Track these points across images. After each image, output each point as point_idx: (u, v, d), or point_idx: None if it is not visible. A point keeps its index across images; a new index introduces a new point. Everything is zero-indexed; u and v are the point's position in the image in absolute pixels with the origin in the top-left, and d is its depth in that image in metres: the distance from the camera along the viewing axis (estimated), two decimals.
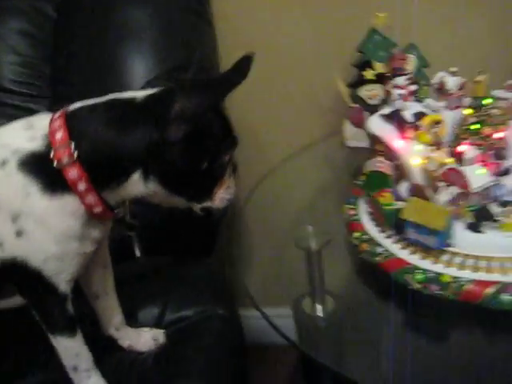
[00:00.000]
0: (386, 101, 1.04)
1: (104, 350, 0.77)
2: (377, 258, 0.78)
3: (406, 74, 1.03)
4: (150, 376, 0.78)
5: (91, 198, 0.64)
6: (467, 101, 0.84)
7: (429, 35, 1.12)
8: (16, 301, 0.71)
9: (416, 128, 0.81)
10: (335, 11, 1.19)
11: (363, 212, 0.87)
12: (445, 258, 0.74)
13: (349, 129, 1.11)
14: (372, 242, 0.80)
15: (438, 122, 0.81)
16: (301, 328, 0.81)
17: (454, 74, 0.84)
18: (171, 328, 0.85)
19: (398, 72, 1.05)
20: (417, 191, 0.79)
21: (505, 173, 0.75)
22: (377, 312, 0.80)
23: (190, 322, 0.86)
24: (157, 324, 0.86)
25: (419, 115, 0.83)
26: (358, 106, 1.08)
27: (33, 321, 0.70)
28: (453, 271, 0.72)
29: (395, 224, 0.80)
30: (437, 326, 0.75)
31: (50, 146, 0.63)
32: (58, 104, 0.91)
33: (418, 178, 0.79)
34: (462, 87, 0.83)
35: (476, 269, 0.72)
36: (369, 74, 1.05)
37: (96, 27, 1.03)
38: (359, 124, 1.07)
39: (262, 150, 1.28)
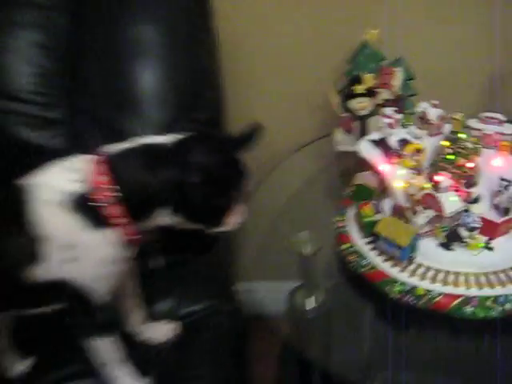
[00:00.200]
0: (373, 112, 1.16)
1: (131, 344, 0.91)
2: (362, 269, 0.91)
3: (391, 89, 1.15)
4: (170, 364, 0.92)
5: (129, 229, 0.76)
6: (446, 127, 0.96)
7: (415, 49, 1.22)
8: (55, 307, 0.84)
9: (400, 155, 0.93)
10: (334, 11, 1.27)
11: (351, 223, 1.00)
12: (420, 271, 0.88)
13: (339, 135, 1.22)
14: (358, 253, 0.94)
15: (419, 150, 0.93)
16: (293, 318, 0.96)
17: (435, 106, 0.95)
18: (185, 320, 0.99)
19: (385, 87, 1.17)
20: (398, 211, 0.92)
21: (474, 201, 0.88)
22: (362, 307, 0.94)
23: (200, 316, 1.00)
24: (172, 317, 0.99)
25: (403, 142, 0.94)
26: (348, 115, 1.19)
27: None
28: (426, 284, 0.86)
29: (371, 234, 0.93)
30: (414, 326, 0.90)
31: (93, 188, 0.74)
32: (74, 115, 1.01)
33: (400, 200, 0.92)
34: (441, 118, 0.95)
35: (445, 282, 0.86)
36: (359, 88, 1.15)
37: (108, 41, 1.11)
38: (349, 131, 1.20)
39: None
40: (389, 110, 0.97)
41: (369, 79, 1.17)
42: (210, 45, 1.14)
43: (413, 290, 0.86)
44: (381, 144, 0.96)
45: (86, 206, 0.74)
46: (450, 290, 0.85)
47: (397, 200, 0.92)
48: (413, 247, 0.88)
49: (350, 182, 1.06)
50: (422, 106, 0.96)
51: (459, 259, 0.87)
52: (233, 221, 0.82)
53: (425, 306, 0.85)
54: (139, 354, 0.92)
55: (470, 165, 0.90)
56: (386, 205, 0.95)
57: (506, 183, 0.86)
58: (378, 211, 0.96)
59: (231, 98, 1.22)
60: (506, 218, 0.87)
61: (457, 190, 0.88)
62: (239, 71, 1.30)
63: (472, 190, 0.89)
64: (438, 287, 0.85)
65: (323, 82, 1.27)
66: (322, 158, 1.28)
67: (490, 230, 0.87)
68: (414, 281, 0.87)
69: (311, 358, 0.91)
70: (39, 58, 1.12)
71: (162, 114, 1.08)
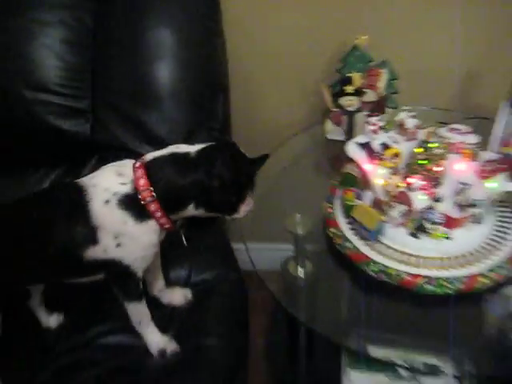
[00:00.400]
0: (359, 109, 1.34)
1: (154, 307, 1.11)
2: (346, 251, 1.12)
3: (376, 91, 1.32)
4: (187, 323, 1.13)
5: (164, 220, 0.96)
6: (420, 134, 1.14)
7: (399, 53, 1.39)
8: (96, 277, 1.03)
9: (381, 157, 1.12)
10: (334, 12, 1.42)
11: (338, 210, 1.19)
12: (392, 255, 1.09)
13: (329, 125, 1.40)
14: (343, 237, 1.14)
15: (397, 155, 1.11)
16: (285, 284, 1.17)
17: (413, 116, 1.13)
18: (196, 288, 1.19)
19: (371, 88, 1.34)
20: (377, 203, 1.12)
21: (437, 200, 1.08)
22: (344, 280, 1.16)
23: (209, 284, 1.21)
24: (185, 284, 1.20)
25: (384, 146, 1.13)
26: (338, 110, 1.37)
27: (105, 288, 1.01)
28: (396, 265, 1.07)
29: (349, 216, 1.13)
30: (385, 297, 1.11)
31: (135, 189, 0.94)
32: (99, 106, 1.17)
33: (380, 194, 1.11)
34: (417, 127, 1.13)
35: (412, 265, 1.07)
36: (349, 88, 1.32)
37: (129, 42, 1.25)
38: (338, 123, 1.38)
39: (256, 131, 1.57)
40: (373, 119, 1.14)
41: (357, 78, 1.34)
42: (220, 47, 1.29)
43: (386, 269, 1.07)
44: (366, 147, 1.14)
45: (131, 204, 0.94)
46: (415, 270, 1.06)
47: (377, 194, 1.12)
48: (379, 231, 1.09)
49: (338, 167, 1.24)
50: (401, 116, 1.14)
51: (424, 246, 1.08)
52: (244, 210, 1.03)
53: (395, 283, 1.06)
54: (162, 314, 1.13)
55: (437, 169, 1.09)
56: (368, 197, 1.15)
57: (464, 186, 1.06)
58: (358, 198, 1.16)
59: (231, 98, 1.38)
60: (464, 214, 1.08)
61: (425, 189, 1.08)
62: (239, 71, 1.44)
63: (437, 190, 1.08)
64: (406, 268, 1.06)
65: (317, 75, 1.44)
66: (314, 144, 1.47)
67: (450, 223, 1.08)
68: (387, 262, 1.08)
69: (299, 316, 1.12)
70: (66, 53, 1.26)
71: (178, 111, 1.24)
